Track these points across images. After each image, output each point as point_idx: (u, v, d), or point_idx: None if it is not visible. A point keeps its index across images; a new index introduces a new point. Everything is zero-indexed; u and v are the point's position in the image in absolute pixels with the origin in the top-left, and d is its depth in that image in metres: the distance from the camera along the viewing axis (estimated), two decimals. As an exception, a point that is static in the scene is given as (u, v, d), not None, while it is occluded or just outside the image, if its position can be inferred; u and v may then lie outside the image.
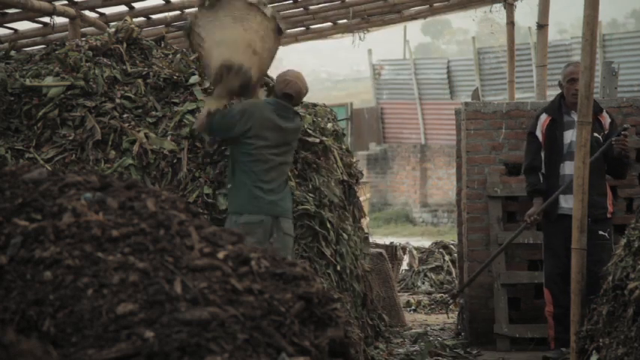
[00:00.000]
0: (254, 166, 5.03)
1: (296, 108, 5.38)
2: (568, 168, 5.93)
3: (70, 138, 5.37)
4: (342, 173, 5.91)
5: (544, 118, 6.08)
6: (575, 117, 5.91)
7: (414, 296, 9.47)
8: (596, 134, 5.90)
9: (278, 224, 5.04)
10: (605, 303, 4.02)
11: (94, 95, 5.50)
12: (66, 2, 7.05)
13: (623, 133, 5.83)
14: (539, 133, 6.08)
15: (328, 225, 5.47)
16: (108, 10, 7.67)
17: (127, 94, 5.56)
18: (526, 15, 13.87)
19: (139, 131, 5.37)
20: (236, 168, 5.09)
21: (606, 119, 6.01)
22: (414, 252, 10.58)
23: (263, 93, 5.44)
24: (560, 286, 5.95)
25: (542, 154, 6.06)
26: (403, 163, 21.32)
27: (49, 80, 5.49)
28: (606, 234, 5.82)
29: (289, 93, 5.22)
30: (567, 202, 5.92)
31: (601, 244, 5.76)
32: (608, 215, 5.90)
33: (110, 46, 5.75)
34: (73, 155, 5.32)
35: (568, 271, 5.82)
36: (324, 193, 5.54)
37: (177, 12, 8.00)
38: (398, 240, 11.71)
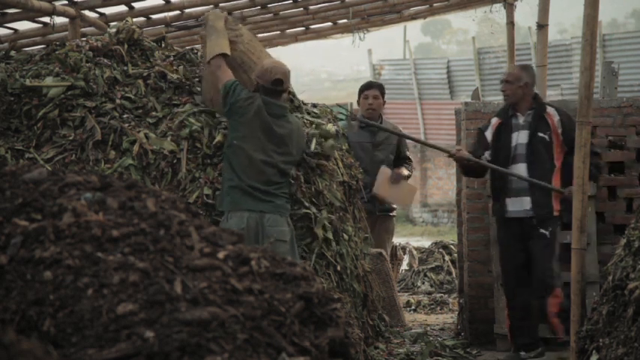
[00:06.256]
0: (235, 160, 5.08)
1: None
2: (516, 170, 5.91)
3: (70, 138, 5.36)
4: (342, 174, 5.91)
5: (494, 121, 6.08)
6: (520, 120, 5.94)
7: (414, 296, 9.47)
8: (541, 134, 5.87)
9: (264, 229, 5.03)
10: (605, 303, 4.01)
11: (95, 96, 5.50)
12: (66, 2, 7.05)
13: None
14: (488, 134, 6.06)
15: (331, 228, 5.48)
16: (108, 10, 7.67)
17: (127, 94, 5.56)
18: (526, 15, 13.88)
19: (139, 131, 5.37)
20: (225, 163, 5.15)
21: (553, 117, 5.93)
22: (414, 252, 10.58)
23: None
24: (511, 287, 5.99)
25: (487, 154, 6.02)
26: (403, 163, 21.28)
27: (49, 80, 5.48)
28: (547, 232, 5.81)
29: (278, 78, 5.17)
30: (514, 206, 5.91)
31: (540, 242, 5.78)
32: (555, 214, 5.86)
33: (111, 46, 5.74)
34: (73, 155, 5.32)
35: (519, 272, 5.91)
36: (326, 196, 5.55)
37: (177, 12, 8.00)
38: (398, 240, 11.71)
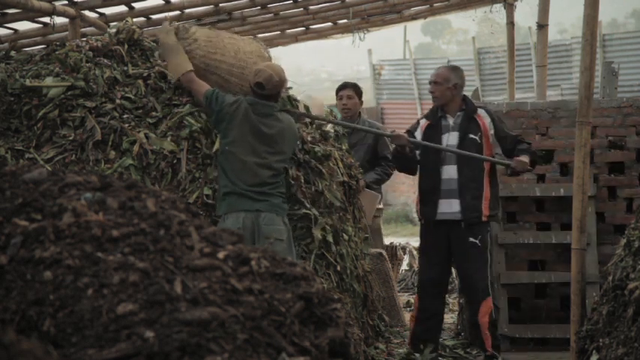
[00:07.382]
0: (228, 166, 5.10)
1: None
2: (446, 172, 5.84)
3: (70, 138, 5.36)
4: (342, 174, 5.91)
5: (423, 123, 6.02)
6: (450, 121, 5.91)
7: (414, 296, 9.46)
8: (472, 135, 5.82)
9: (259, 228, 5.03)
10: (605, 303, 4.02)
11: (95, 96, 5.50)
12: (66, 2, 7.05)
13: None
14: (417, 135, 5.99)
15: (331, 230, 5.47)
16: (108, 10, 7.67)
17: (127, 94, 5.55)
18: (526, 15, 13.89)
19: (139, 132, 5.37)
20: (219, 169, 5.17)
21: (484, 119, 5.88)
22: (414, 252, 10.57)
23: None
24: (429, 292, 5.95)
25: (417, 154, 5.95)
26: (403, 163, 21.26)
27: (49, 81, 5.48)
28: (477, 241, 5.76)
29: (259, 81, 5.17)
30: (442, 208, 5.82)
31: (472, 251, 5.75)
32: (484, 219, 5.80)
33: (111, 47, 5.74)
34: (73, 155, 5.32)
35: (440, 278, 5.91)
36: (326, 197, 5.54)
37: (177, 12, 8.00)
38: (398, 240, 11.71)
